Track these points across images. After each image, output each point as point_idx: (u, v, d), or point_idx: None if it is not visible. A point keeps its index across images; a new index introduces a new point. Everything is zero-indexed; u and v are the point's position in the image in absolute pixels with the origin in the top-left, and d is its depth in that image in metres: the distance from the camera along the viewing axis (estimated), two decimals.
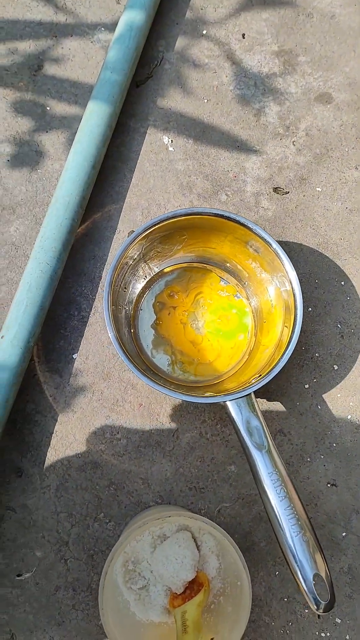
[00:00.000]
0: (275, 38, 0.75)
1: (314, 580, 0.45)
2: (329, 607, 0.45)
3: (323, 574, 0.45)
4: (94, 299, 0.65)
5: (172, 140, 0.70)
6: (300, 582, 0.45)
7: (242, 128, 0.71)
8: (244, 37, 0.75)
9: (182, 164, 0.69)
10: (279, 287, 0.60)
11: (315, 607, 0.45)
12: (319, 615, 0.58)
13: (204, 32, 0.74)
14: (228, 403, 0.53)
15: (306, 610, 0.59)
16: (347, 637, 0.58)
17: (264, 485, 0.49)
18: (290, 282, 0.57)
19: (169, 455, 0.61)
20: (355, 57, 0.75)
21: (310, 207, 0.70)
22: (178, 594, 0.52)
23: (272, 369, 0.53)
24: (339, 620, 0.59)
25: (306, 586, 0.45)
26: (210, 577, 0.53)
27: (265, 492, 0.48)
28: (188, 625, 0.48)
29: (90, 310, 0.64)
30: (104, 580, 0.48)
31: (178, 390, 0.54)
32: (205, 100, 0.72)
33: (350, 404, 0.64)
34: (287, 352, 0.54)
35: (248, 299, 0.64)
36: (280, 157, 0.71)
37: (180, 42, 0.73)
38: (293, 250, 0.68)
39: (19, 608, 0.57)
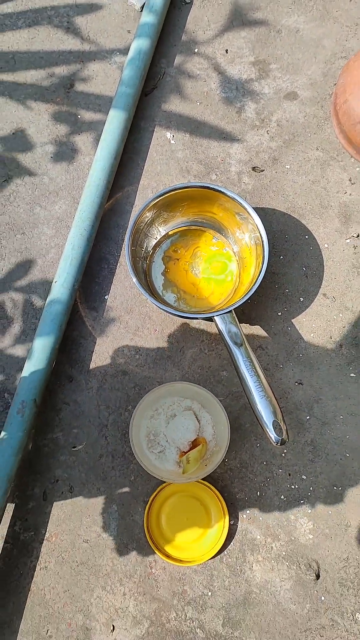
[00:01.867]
0: (251, 51, 0.97)
1: (273, 425, 0.67)
2: (283, 442, 0.67)
3: (280, 421, 0.67)
4: (119, 256, 0.88)
5: (173, 135, 0.93)
6: (265, 426, 0.68)
7: (227, 123, 0.93)
8: (227, 52, 0.96)
9: (182, 153, 0.92)
10: (252, 239, 0.81)
11: (275, 442, 0.67)
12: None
13: (196, 50, 0.96)
14: (215, 318, 0.75)
15: (280, 470, 0.81)
16: (311, 489, 0.81)
17: (241, 369, 0.71)
18: (260, 234, 0.79)
19: (177, 365, 0.84)
20: (316, 62, 0.96)
21: (281, 181, 0.91)
22: (185, 451, 0.75)
23: (245, 294, 0.76)
24: (304, 477, 0.81)
25: (268, 429, 0.67)
26: (207, 439, 0.76)
27: (241, 373, 0.71)
28: (190, 461, 0.71)
29: (117, 264, 0.88)
30: (132, 432, 0.71)
31: (177, 311, 0.77)
32: (198, 103, 0.94)
33: (313, 325, 0.86)
34: (257, 282, 0.76)
35: (233, 250, 0.86)
36: (257, 144, 0.93)
37: (177, 59, 0.96)
38: (268, 214, 0.90)
39: (74, 469, 0.81)
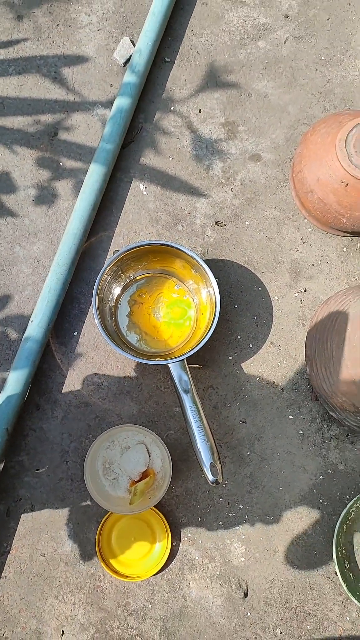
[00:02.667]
0: (222, 112, 1.06)
1: (210, 466, 0.77)
2: (217, 482, 0.77)
3: (216, 462, 0.77)
4: (90, 296, 0.97)
5: (146, 187, 1.01)
6: (203, 466, 0.78)
7: (196, 179, 1.03)
8: (200, 112, 1.05)
9: (153, 204, 1.01)
10: (207, 290, 0.91)
11: (210, 482, 0.77)
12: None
13: (172, 108, 1.05)
14: (170, 365, 0.85)
15: (220, 499, 0.91)
16: (246, 517, 0.91)
17: (186, 413, 0.81)
18: (213, 287, 0.88)
19: (135, 400, 0.94)
20: (280, 127, 1.06)
21: (241, 236, 1.01)
22: (135, 480, 0.85)
23: (197, 345, 0.85)
24: (241, 506, 0.92)
25: (205, 469, 0.77)
26: (156, 471, 0.86)
27: (187, 416, 0.81)
28: (137, 492, 0.81)
29: (87, 304, 0.97)
30: (87, 465, 0.81)
31: (140, 357, 0.86)
32: (171, 158, 1.03)
33: (259, 370, 0.96)
34: (208, 333, 0.86)
35: (192, 298, 0.96)
36: (221, 200, 1.02)
37: (155, 116, 1.04)
38: (227, 266, 0.99)
39: (37, 489, 0.90)
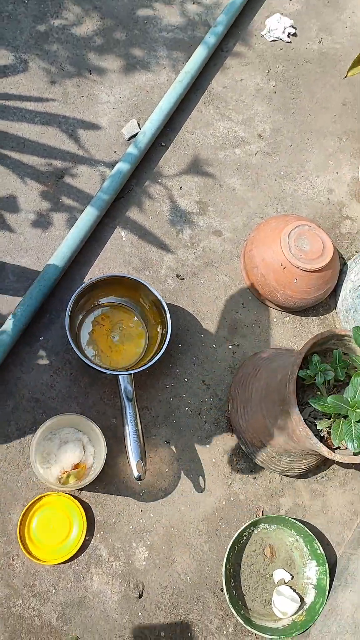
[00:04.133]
0: (198, 193, 1.31)
1: (137, 464, 0.92)
2: (140, 478, 0.91)
3: (143, 460, 0.92)
4: (61, 311, 1.13)
5: (126, 235, 1.22)
6: (131, 462, 0.92)
7: (167, 238, 1.25)
8: (181, 189, 1.30)
9: (129, 249, 1.21)
10: (162, 330, 1.10)
11: (136, 477, 0.91)
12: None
13: (159, 180, 1.29)
14: (119, 376, 1.01)
15: (135, 505, 1.04)
16: (154, 526, 1.04)
17: (126, 417, 0.96)
18: (167, 327, 1.07)
19: (80, 405, 1.08)
20: (240, 215, 1.32)
21: (195, 290, 1.22)
22: (67, 470, 0.97)
23: (145, 364, 1.02)
24: (152, 515, 1.04)
25: (132, 465, 0.92)
26: (87, 467, 0.99)
27: (126, 419, 0.96)
28: (69, 477, 0.93)
29: (57, 316, 1.13)
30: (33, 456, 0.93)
31: (93, 364, 1.02)
32: (150, 217, 1.26)
33: (189, 402, 1.13)
34: (153, 359, 1.03)
35: (147, 330, 1.14)
36: (184, 258, 1.24)
37: (145, 183, 1.28)
38: (179, 311, 1.19)
39: None
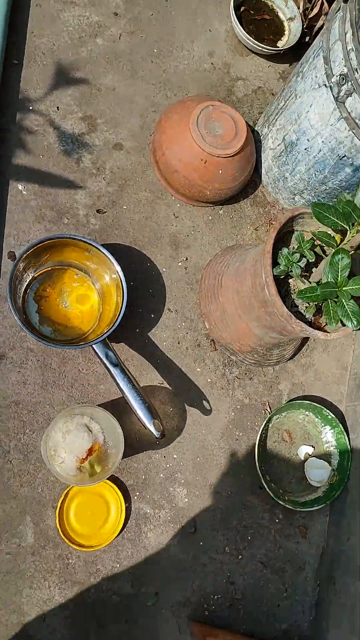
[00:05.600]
0: (79, 107, 1.12)
1: (153, 424, 0.88)
2: (163, 435, 0.88)
3: (157, 420, 0.88)
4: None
5: (24, 187, 1.05)
6: (147, 426, 0.88)
7: (69, 172, 1.09)
8: (58, 109, 1.11)
9: (35, 202, 1.05)
10: (111, 275, 0.99)
11: (157, 437, 0.88)
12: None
13: (30, 107, 1.09)
14: (94, 346, 0.92)
15: (157, 455, 1.02)
16: (181, 463, 1.04)
17: (120, 384, 0.90)
18: (117, 272, 0.97)
19: (61, 387, 0.99)
20: (132, 116, 1.16)
21: (122, 220, 1.10)
22: (83, 458, 0.91)
23: (113, 324, 0.94)
24: (175, 456, 1.04)
25: (149, 428, 0.87)
26: (100, 444, 0.94)
27: (121, 387, 0.89)
28: (93, 465, 0.88)
29: None
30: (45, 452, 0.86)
31: (61, 345, 0.92)
32: (41, 156, 1.07)
33: (163, 335, 1.08)
34: (120, 312, 0.94)
35: (94, 284, 1.03)
36: (97, 189, 1.10)
37: (17, 117, 1.07)
38: (115, 249, 1.08)
39: None
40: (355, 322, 0.85)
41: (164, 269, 1.11)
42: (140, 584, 0.97)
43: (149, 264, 1.10)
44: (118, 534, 0.97)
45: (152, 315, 1.08)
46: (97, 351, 0.92)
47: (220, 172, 1.08)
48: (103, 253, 0.97)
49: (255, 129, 1.24)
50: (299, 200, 1.17)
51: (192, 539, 1.02)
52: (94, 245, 0.96)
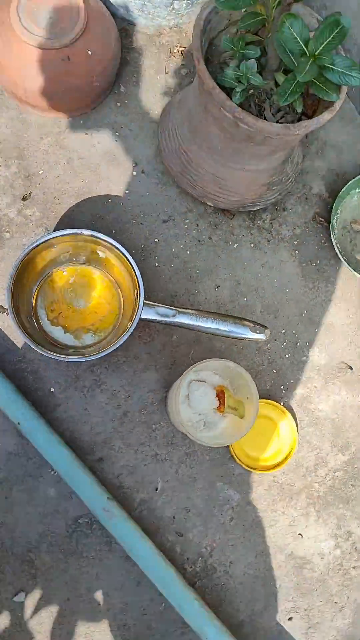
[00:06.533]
0: None
1: (252, 332, 0.78)
2: (266, 334, 0.79)
3: (251, 325, 0.78)
4: None
5: None
6: (249, 337, 0.78)
7: None
8: None
9: None
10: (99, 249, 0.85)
11: (265, 340, 0.79)
12: (268, 339, 0.93)
13: None
14: (140, 317, 0.80)
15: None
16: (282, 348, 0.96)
17: (193, 326, 0.79)
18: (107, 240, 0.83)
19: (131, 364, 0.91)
20: None
21: (48, 184, 0.93)
22: (218, 405, 0.84)
23: (138, 286, 0.81)
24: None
25: (253, 337, 0.78)
26: (222, 382, 0.85)
27: (195, 327, 0.79)
28: (235, 406, 0.80)
29: None
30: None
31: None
32: None
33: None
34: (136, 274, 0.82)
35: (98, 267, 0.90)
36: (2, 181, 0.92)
37: None
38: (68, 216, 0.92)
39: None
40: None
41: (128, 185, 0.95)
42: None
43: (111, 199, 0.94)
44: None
45: (156, 241, 0.94)
46: (148, 317, 0.81)
47: (89, 54, 0.86)
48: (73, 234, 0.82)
49: None
50: (179, 6, 0.94)
51: None
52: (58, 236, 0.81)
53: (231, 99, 0.71)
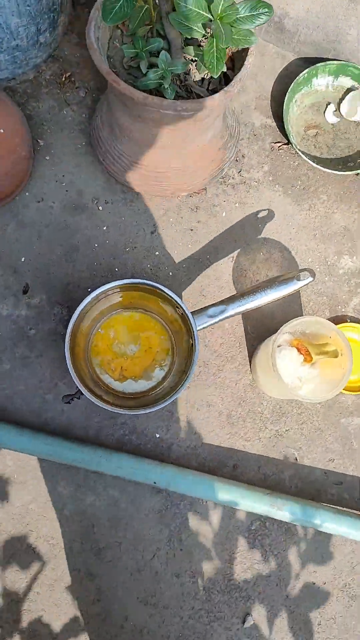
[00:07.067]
0: None
1: (297, 279, 0.79)
2: (313, 274, 0.80)
3: (299, 275, 0.80)
4: None
5: None
6: (301, 288, 0.80)
7: None
8: None
9: None
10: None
11: (311, 279, 0.80)
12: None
13: None
14: (195, 335, 0.81)
15: None
16: None
17: (243, 308, 0.80)
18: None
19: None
20: None
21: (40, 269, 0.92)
22: (303, 359, 0.86)
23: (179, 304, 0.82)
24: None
25: (299, 286, 0.79)
26: (295, 337, 0.87)
27: (251, 307, 0.80)
28: (320, 352, 0.83)
29: None
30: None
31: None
32: None
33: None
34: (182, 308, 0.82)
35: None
36: None
37: None
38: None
39: None
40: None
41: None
42: None
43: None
44: None
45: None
46: (204, 327, 0.82)
47: None
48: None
49: None
50: (44, 38, 0.91)
51: None
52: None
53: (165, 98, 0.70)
